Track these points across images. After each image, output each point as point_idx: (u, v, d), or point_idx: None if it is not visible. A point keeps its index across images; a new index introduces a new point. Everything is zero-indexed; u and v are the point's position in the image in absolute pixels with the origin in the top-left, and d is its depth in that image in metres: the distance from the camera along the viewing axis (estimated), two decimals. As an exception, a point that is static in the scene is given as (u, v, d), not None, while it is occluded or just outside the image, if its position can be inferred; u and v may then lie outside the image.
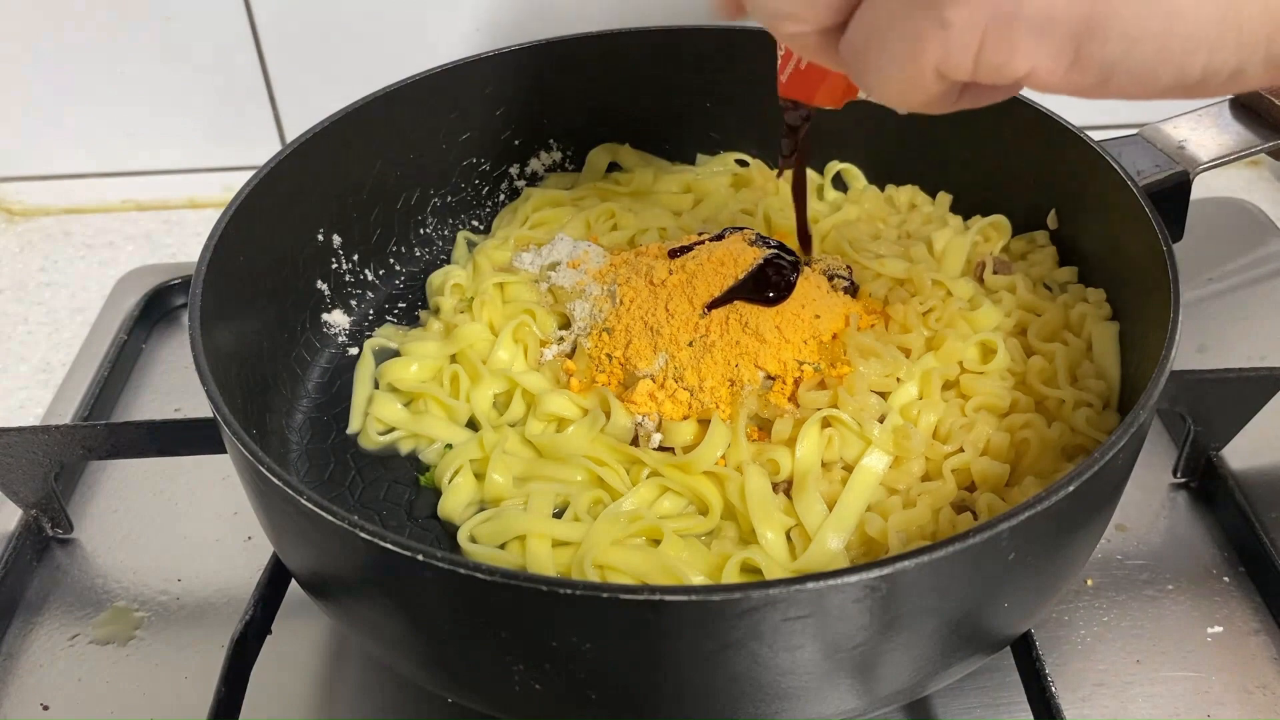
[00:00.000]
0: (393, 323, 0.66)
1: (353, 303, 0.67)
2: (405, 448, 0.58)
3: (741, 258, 0.57)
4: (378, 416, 0.59)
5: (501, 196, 0.73)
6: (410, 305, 0.68)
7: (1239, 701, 0.51)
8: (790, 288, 0.55)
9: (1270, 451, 0.61)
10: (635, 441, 0.55)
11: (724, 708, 0.41)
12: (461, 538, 0.52)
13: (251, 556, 0.59)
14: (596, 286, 0.60)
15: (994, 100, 0.37)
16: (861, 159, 0.72)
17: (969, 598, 0.41)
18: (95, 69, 0.85)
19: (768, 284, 0.55)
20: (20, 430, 0.57)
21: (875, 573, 0.37)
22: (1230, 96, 0.63)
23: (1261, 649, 0.53)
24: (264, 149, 0.86)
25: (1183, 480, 0.61)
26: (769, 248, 0.58)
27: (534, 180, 0.73)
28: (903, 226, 0.67)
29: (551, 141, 0.73)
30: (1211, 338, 0.69)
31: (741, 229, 0.61)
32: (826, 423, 0.52)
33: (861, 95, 0.41)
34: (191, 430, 0.56)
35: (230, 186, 0.89)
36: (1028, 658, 0.48)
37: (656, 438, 0.54)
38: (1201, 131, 0.61)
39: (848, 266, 0.61)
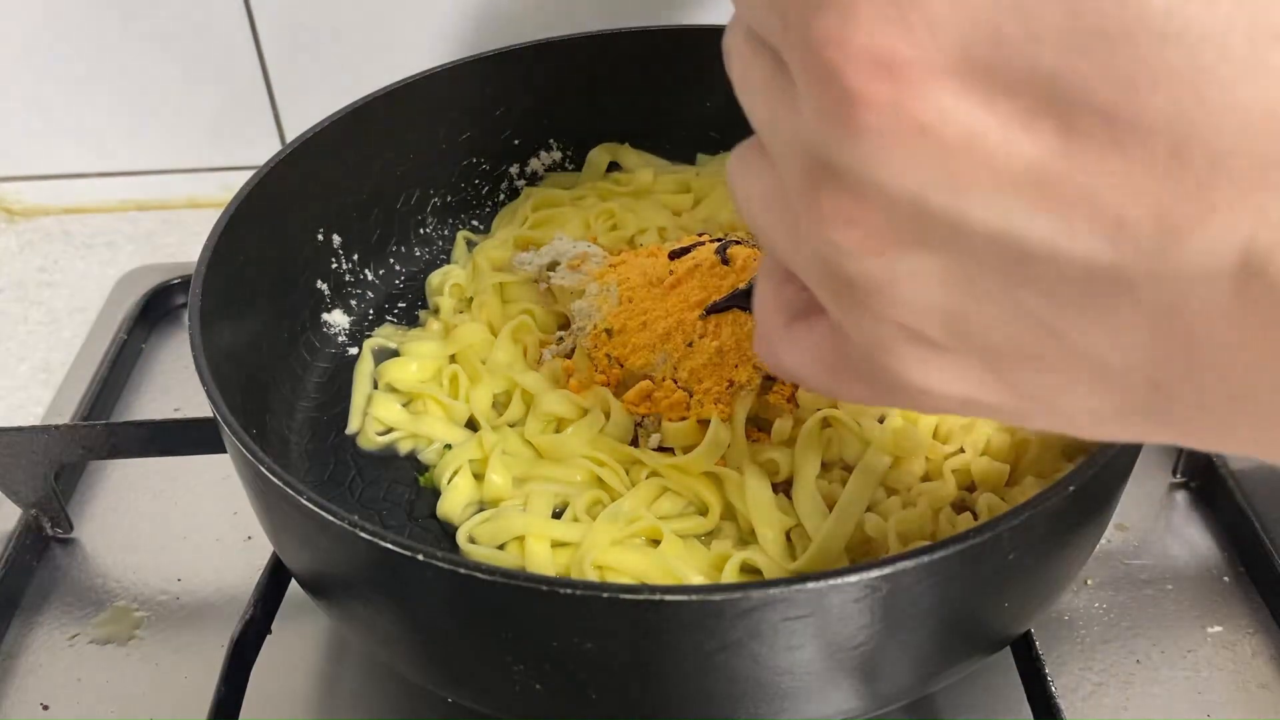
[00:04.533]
0: (392, 323, 0.66)
1: (353, 303, 0.67)
2: (404, 448, 0.58)
3: (742, 258, 0.57)
4: (377, 416, 0.59)
5: (501, 196, 0.73)
6: (410, 305, 0.68)
7: (1239, 701, 0.51)
8: None
9: (1270, 451, 0.61)
10: (635, 442, 0.55)
11: (724, 708, 0.41)
12: (460, 538, 0.52)
13: (251, 556, 0.59)
14: (596, 286, 0.60)
15: None
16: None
17: (969, 598, 0.41)
18: (95, 69, 0.85)
19: None
20: (20, 430, 0.57)
21: (875, 573, 0.37)
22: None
23: (1261, 649, 0.53)
24: (264, 149, 0.86)
25: (1183, 480, 0.61)
26: None
27: (534, 180, 0.73)
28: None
29: (551, 141, 0.73)
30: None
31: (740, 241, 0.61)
32: (826, 423, 0.52)
33: None
34: (191, 430, 0.56)
35: (230, 186, 0.89)
36: (1028, 658, 0.48)
37: (656, 438, 0.54)
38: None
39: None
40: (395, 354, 0.62)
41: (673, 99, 0.72)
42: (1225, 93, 0.20)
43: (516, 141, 0.72)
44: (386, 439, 0.58)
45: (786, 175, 0.26)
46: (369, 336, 0.64)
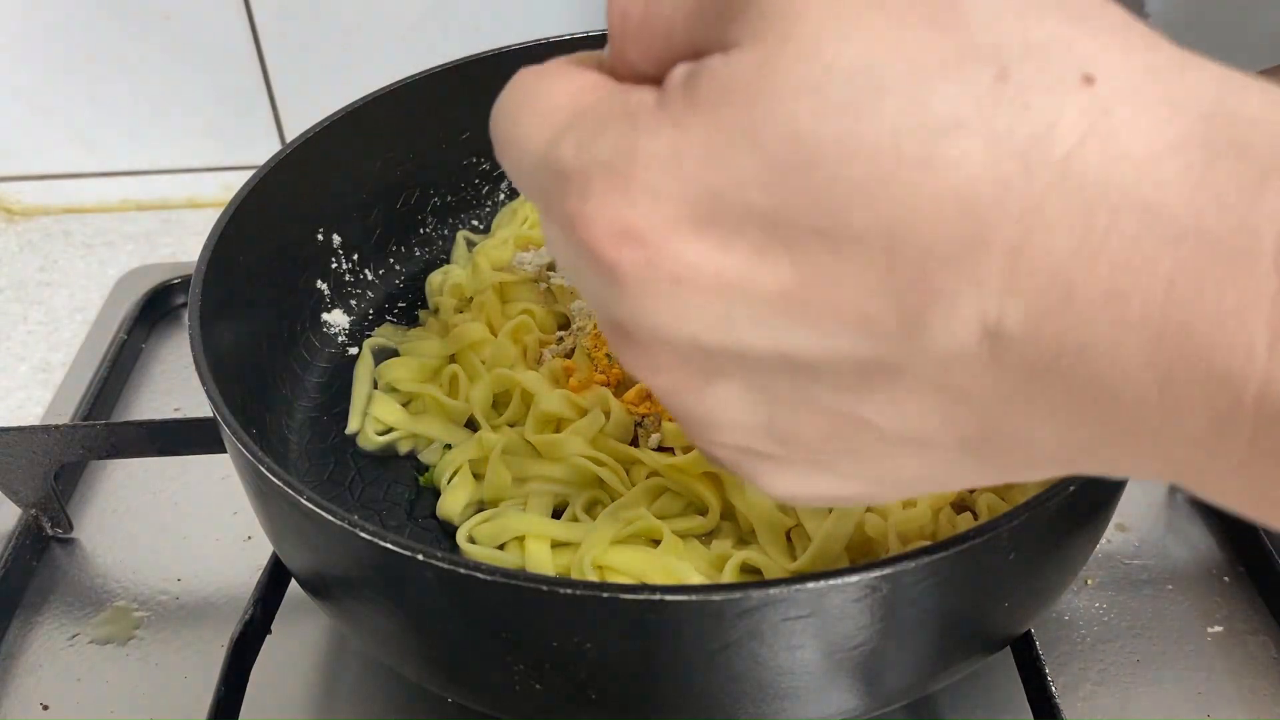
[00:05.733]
0: (392, 322, 0.66)
1: (353, 302, 0.67)
2: (404, 448, 0.58)
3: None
4: (376, 416, 0.59)
5: (501, 196, 0.73)
6: (410, 305, 0.68)
7: (1239, 701, 0.51)
8: None
9: (1270, 451, 0.61)
10: (635, 441, 0.55)
11: (724, 708, 0.41)
12: (460, 538, 0.52)
13: (251, 556, 0.59)
14: (596, 286, 0.60)
15: None
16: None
17: (969, 598, 0.41)
18: (95, 69, 0.85)
19: None
20: (20, 430, 0.57)
21: (875, 573, 0.37)
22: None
23: (1261, 649, 0.53)
24: (264, 149, 0.86)
25: (1183, 480, 0.61)
26: None
27: (534, 180, 0.73)
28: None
29: (551, 141, 0.73)
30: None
31: None
32: (826, 423, 0.52)
33: None
34: (191, 430, 0.56)
35: (230, 186, 0.89)
36: (1028, 657, 0.48)
37: (656, 438, 0.54)
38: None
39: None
40: (395, 354, 0.62)
41: (673, 99, 0.72)
42: (912, 191, 0.22)
43: (516, 141, 0.72)
44: (386, 439, 0.58)
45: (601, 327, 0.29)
46: (369, 336, 0.64)
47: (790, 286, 0.24)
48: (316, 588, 0.48)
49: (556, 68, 0.28)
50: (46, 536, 0.61)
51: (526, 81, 0.28)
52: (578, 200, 0.25)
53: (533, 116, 0.26)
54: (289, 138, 0.87)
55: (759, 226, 0.23)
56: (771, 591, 0.36)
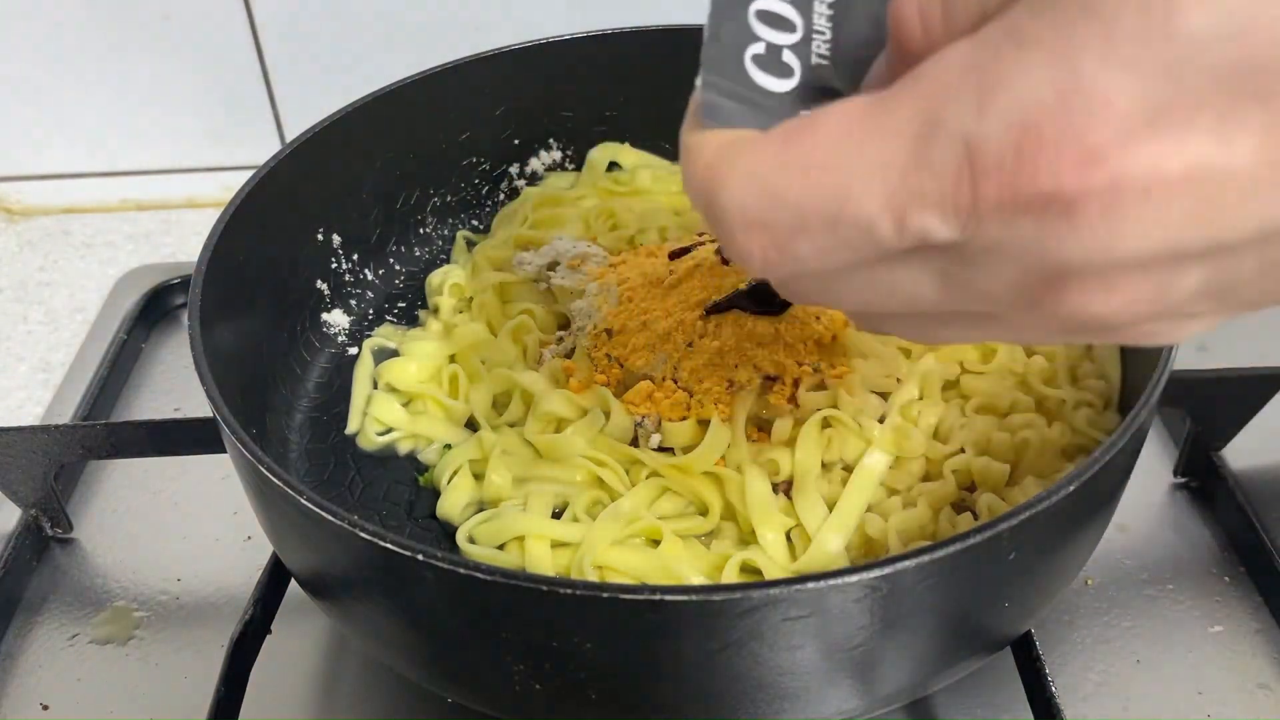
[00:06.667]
0: (392, 322, 0.66)
1: (352, 302, 0.67)
2: (404, 448, 0.58)
3: (741, 258, 0.57)
4: (376, 417, 0.59)
5: (501, 196, 0.73)
6: (410, 305, 0.68)
7: (1239, 701, 0.51)
8: (790, 303, 0.55)
9: (1270, 451, 0.61)
10: (635, 442, 0.55)
11: (724, 708, 0.41)
12: (460, 538, 0.52)
13: (251, 556, 0.59)
14: (596, 286, 0.60)
15: None
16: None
17: (969, 598, 0.41)
18: (94, 68, 0.85)
19: (770, 297, 0.55)
20: (20, 430, 0.57)
21: (875, 573, 0.37)
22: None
23: (1261, 649, 0.53)
24: (264, 149, 0.86)
25: (1183, 480, 0.61)
26: None
27: (534, 180, 0.73)
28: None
29: (551, 141, 0.73)
30: (1212, 338, 0.69)
31: None
32: (826, 423, 0.52)
33: None
34: (191, 430, 0.56)
35: (230, 186, 0.89)
36: (1028, 658, 0.48)
37: (656, 438, 0.54)
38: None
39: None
40: (395, 354, 0.62)
41: (672, 99, 0.72)
42: None
43: (516, 141, 0.72)
44: (386, 439, 0.58)
45: (1002, 297, 0.27)
46: (369, 336, 0.64)
47: (1269, 148, 0.22)
48: (316, 588, 0.48)
49: (800, 125, 0.26)
50: (46, 536, 0.61)
51: (805, 150, 0.26)
52: (1006, 161, 0.23)
53: (861, 151, 0.25)
54: (289, 138, 0.87)
55: (1219, 93, 0.22)
56: (772, 591, 0.36)
